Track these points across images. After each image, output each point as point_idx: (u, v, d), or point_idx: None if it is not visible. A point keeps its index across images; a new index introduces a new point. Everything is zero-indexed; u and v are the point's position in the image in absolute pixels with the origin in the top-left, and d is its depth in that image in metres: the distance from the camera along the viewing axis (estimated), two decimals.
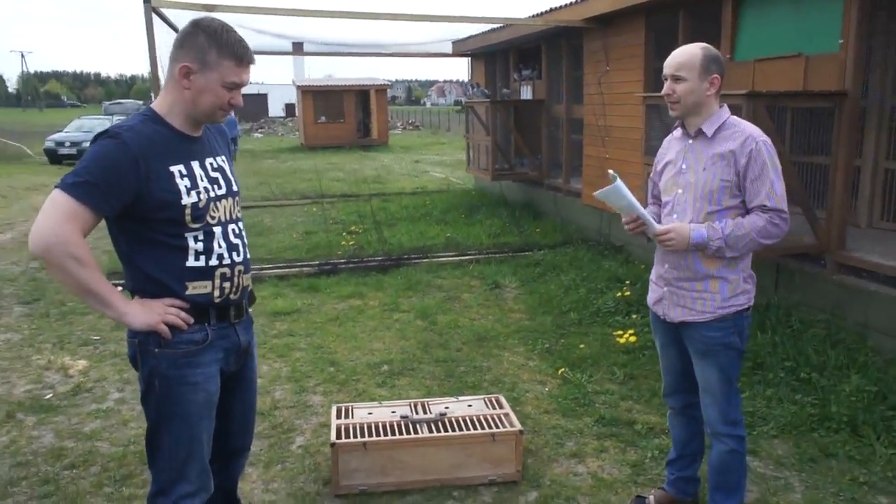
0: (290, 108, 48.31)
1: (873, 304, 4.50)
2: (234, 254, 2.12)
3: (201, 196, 2.01)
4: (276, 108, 55.24)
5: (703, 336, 2.54)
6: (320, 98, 25.52)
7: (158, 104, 2.04)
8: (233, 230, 2.13)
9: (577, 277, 6.51)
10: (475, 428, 3.24)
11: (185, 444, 2.07)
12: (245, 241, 2.20)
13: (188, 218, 1.99)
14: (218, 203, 2.08)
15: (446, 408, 3.45)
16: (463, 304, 6.05)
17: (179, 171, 1.98)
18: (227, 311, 2.13)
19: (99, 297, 1.91)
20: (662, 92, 2.48)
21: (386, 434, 3.21)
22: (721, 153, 2.41)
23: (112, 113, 30.19)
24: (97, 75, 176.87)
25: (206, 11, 6.58)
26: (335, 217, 10.36)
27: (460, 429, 3.24)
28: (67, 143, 20.25)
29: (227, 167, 2.18)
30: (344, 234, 9.00)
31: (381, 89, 26.02)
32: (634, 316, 5.33)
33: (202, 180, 2.04)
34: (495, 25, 9.77)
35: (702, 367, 2.60)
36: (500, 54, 11.40)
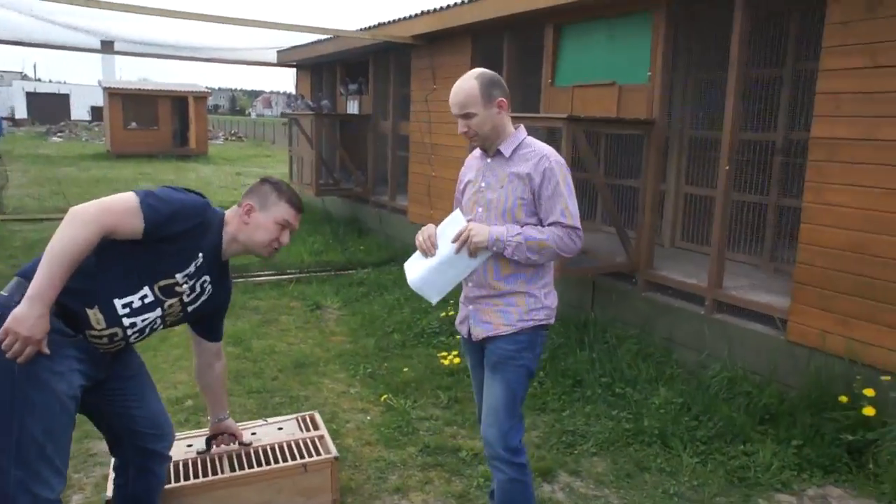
0: (96, 112, 44.11)
1: (677, 319, 4.77)
2: (136, 335, 2.23)
3: (184, 287, 2.23)
4: (80, 111, 50.20)
5: (498, 348, 2.48)
6: (131, 102, 23.42)
7: (227, 219, 2.35)
8: (156, 323, 2.26)
9: (401, 297, 6.34)
10: (285, 458, 2.88)
11: (42, 436, 2.00)
12: (145, 338, 2.31)
13: (163, 284, 2.18)
14: (179, 303, 2.27)
15: (253, 434, 3.05)
16: (280, 327, 5.62)
17: (198, 261, 2.23)
18: (93, 348, 2.18)
19: (48, 278, 1.93)
20: (459, 131, 2.47)
21: (179, 479, 2.74)
22: (517, 173, 2.42)
23: None
24: None
25: None
26: None
27: (268, 460, 2.86)
28: None
29: (204, 299, 2.36)
30: None
31: (200, 97, 24.45)
32: (458, 336, 5.22)
33: (196, 282, 2.27)
34: (322, 36, 9.46)
35: (489, 383, 2.52)
36: (326, 67, 11.09)
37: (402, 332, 5.44)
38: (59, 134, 34.08)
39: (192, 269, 2.22)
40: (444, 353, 4.85)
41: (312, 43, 10.24)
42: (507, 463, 2.46)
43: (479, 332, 2.52)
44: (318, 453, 2.92)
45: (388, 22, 8.17)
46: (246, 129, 46.45)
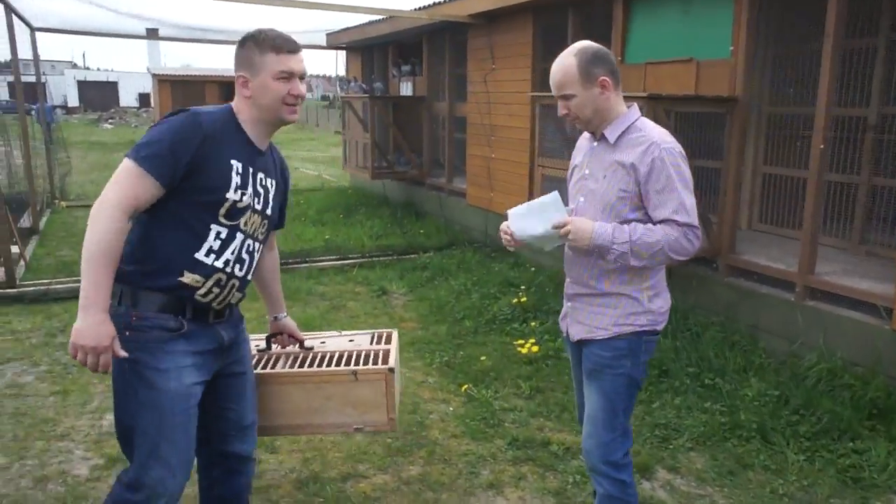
0: (144, 98, 44.92)
1: (763, 306, 4.56)
2: (238, 267, 2.12)
3: (244, 199, 2.07)
4: (128, 98, 51.22)
5: (593, 354, 2.27)
6: (179, 87, 23.71)
7: (235, 107, 2.13)
8: (248, 245, 2.14)
9: (467, 282, 6.24)
10: (340, 364, 2.57)
11: (155, 433, 1.99)
12: (254, 262, 2.20)
13: (223, 211, 2.03)
14: (253, 214, 2.12)
15: (322, 343, 2.78)
16: (349, 313, 5.58)
17: (237, 167, 2.05)
18: (206, 312, 2.11)
19: (93, 283, 1.87)
20: (559, 113, 2.24)
21: None
22: (621, 161, 2.14)
23: None
24: None
25: None
26: None
27: (327, 365, 2.56)
28: None
29: (272, 192, 2.21)
30: None
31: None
32: (533, 323, 5.12)
33: (251, 186, 2.09)
34: (374, 17, 9.33)
35: (588, 391, 2.33)
36: (377, 48, 10.97)
37: (473, 319, 5.34)
38: (109, 121, 34.86)
39: (237, 180, 2.04)
40: (521, 341, 4.74)
41: (364, 24, 10.12)
42: (607, 478, 2.28)
43: (575, 333, 2.34)
44: (375, 364, 2.57)
45: (445, 1, 7.98)
46: None
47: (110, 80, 52.01)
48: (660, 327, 2.27)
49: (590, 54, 2.16)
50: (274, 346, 2.68)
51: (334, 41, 11.60)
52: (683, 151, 2.16)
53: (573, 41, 6.40)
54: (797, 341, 4.28)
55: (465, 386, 4.13)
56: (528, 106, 6.89)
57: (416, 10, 8.40)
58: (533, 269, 6.53)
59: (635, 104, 2.26)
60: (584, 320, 2.30)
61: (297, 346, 2.68)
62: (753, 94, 5.61)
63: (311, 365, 2.57)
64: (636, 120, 2.21)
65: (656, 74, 5.36)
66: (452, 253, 7.33)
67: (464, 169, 8.57)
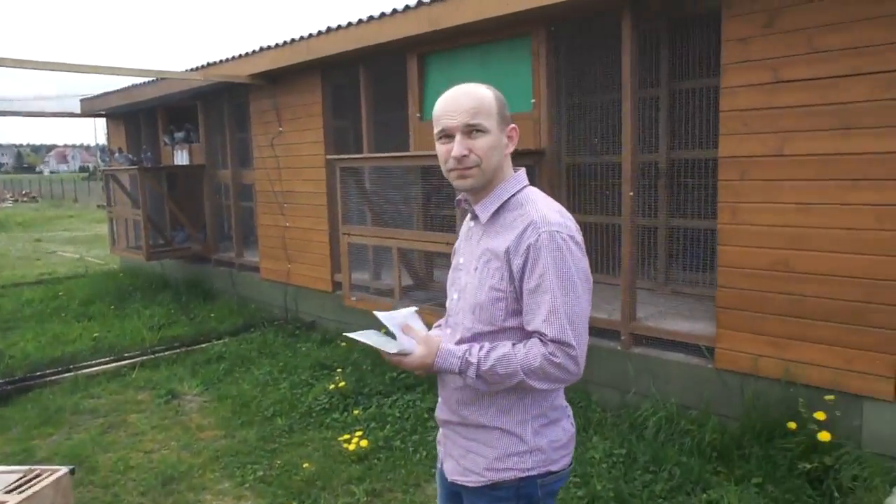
0: None
1: (591, 358, 4.43)
2: None
3: None
4: None
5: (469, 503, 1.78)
6: None
7: None
8: None
9: (273, 370, 5.49)
10: None
11: None
12: None
13: None
14: None
15: None
16: (131, 430, 4.54)
17: None
18: None
19: None
20: (454, 153, 1.62)
21: None
22: (493, 249, 1.64)
23: None
24: None
25: None
26: None
27: None
28: None
29: None
30: None
31: None
32: (356, 411, 4.52)
33: None
34: (139, 79, 8.32)
35: None
36: (144, 114, 9.84)
37: (285, 415, 4.61)
38: None
39: None
40: (346, 436, 4.13)
41: (128, 88, 9.02)
42: None
43: (449, 469, 1.81)
44: None
45: (222, 60, 7.31)
46: (40, 187, 41.64)
47: None
48: (556, 467, 1.70)
49: (501, 95, 1.69)
50: None
51: (91, 108, 10.23)
52: (579, 236, 1.63)
53: (367, 100, 6.14)
54: (630, 391, 4.19)
55: None
56: (324, 169, 6.43)
57: (189, 70, 7.60)
58: (343, 343, 5.96)
59: (523, 170, 1.73)
60: (457, 457, 1.78)
61: None
62: (557, 146, 5.68)
63: None
64: (520, 191, 1.68)
65: None
66: (251, 336, 6.51)
67: (255, 241, 7.81)
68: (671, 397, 3.97)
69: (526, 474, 1.66)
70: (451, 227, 4.77)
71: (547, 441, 1.68)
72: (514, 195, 1.67)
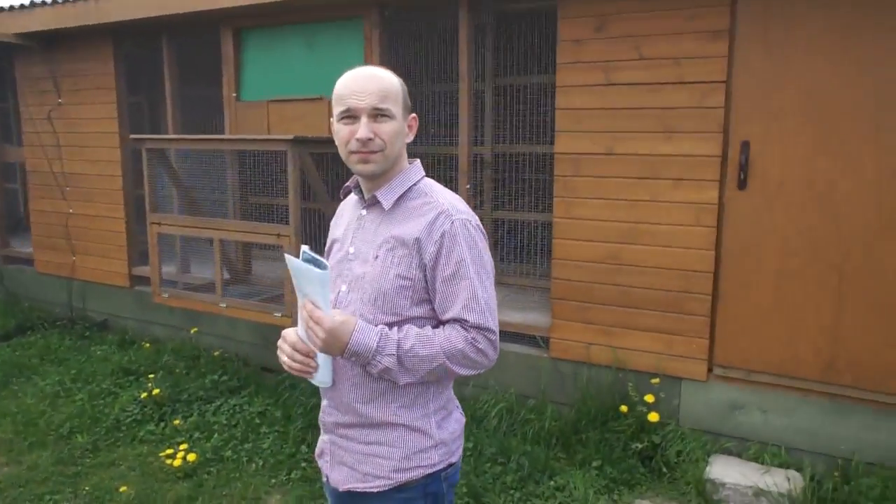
0: None
1: None
2: None
3: None
4: None
5: None
6: None
7: None
8: None
9: (64, 378, 4.76)
10: None
11: None
12: None
13: None
14: None
15: None
16: None
17: None
18: None
19: None
20: (359, 135, 1.53)
21: None
22: (400, 237, 1.58)
23: None
24: None
25: None
26: None
27: None
28: None
29: None
30: None
31: None
32: (177, 421, 4.06)
33: None
34: None
35: None
36: None
37: (87, 431, 4.00)
38: None
39: None
40: (169, 450, 3.68)
41: None
42: None
43: (339, 479, 1.67)
44: None
45: None
46: None
47: None
48: (455, 458, 1.69)
49: (404, 83, 1.65)
50: None
51: None
52: (481, 224, 1.64)
53: (171, 73, 5.53)
54: (469, 383, 4.23)
55: None
56: (118, 150, 5.68)
57: None
58: (148, 344, 5.34)
59: (418, 160, 1.70)
60: (352, 463, 1.64)
61: None
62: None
63: None
64: (419, 181, 1.66)
65: (281, 114, 4.84)
66: (28, 341, 5.59)
67: (26, 229, 6.70)
68: (510, 387, 4.08)
69: (432, 470, 1.65)
70: (280, 217, 4.46)
71: (448, 433, 1.68)
72: (415, 183, 1.66)
